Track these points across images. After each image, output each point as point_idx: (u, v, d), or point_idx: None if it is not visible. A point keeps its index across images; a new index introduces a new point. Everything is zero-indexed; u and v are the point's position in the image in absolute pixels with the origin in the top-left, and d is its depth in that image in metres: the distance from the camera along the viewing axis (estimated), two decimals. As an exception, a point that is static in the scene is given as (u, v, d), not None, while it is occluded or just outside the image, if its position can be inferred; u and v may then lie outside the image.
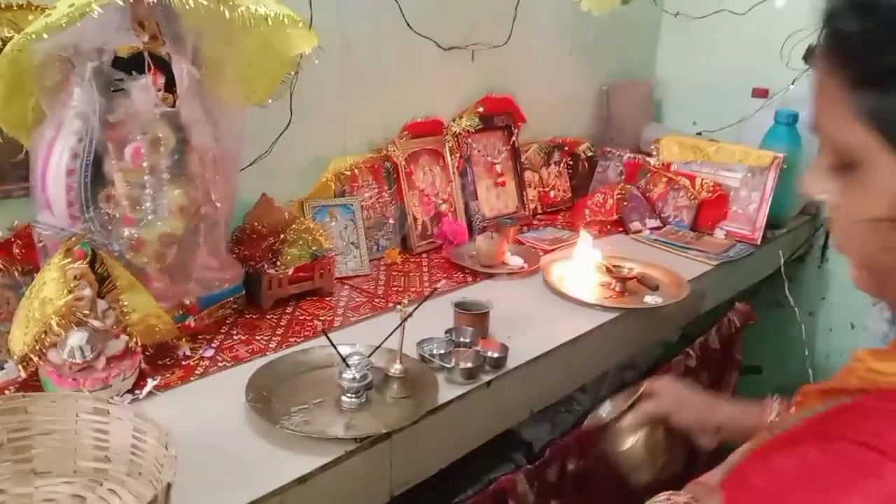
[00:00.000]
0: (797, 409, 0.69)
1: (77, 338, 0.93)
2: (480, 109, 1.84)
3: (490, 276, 1.54)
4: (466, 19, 1.79)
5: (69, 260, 0.94)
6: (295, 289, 1.33)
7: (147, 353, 1.04)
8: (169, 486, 0.69)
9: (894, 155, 0.52)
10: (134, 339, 0.99)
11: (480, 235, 1.62)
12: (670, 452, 0.98)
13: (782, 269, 1.95)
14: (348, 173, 1.56)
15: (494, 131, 1.91)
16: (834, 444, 0.53)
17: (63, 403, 0.82)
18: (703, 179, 1.92)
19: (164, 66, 1.04)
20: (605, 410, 1.03)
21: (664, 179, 1.97)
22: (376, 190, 1.62)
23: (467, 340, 1.17)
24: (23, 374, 0.94)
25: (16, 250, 1.06)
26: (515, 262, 1.59)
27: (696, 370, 1.71)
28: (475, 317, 1.22)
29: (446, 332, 1.18)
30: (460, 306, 1.23)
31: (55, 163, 0.98)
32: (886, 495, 0.48)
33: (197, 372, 1.07)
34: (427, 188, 1.72)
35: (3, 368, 0.98)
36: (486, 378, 1.11)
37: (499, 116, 1.91)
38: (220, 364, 1.10)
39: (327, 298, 1.37)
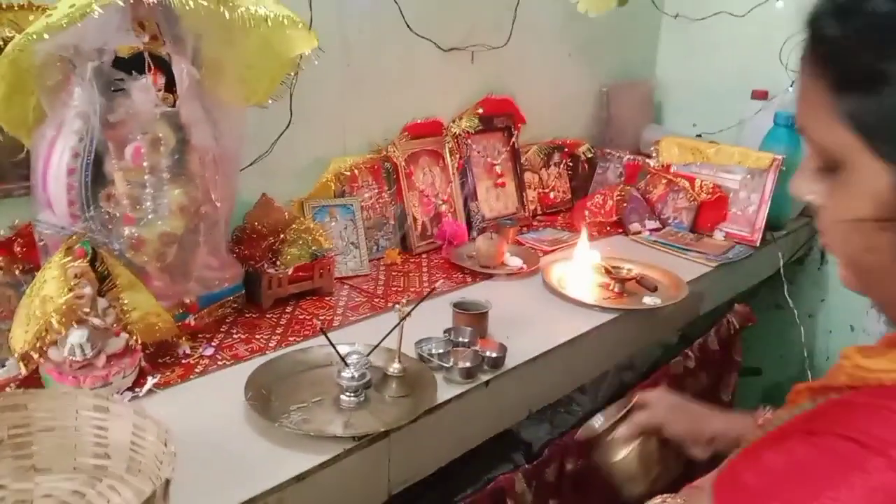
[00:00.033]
0: (788, 407, 0.69)
1: (77, 336, 0.94)
2: (480, 110, 1.85)
3: (489, 276, 1.54)
4: (466, 20, 1.80)
5: (70, 258, 0.95)
6: (295, 288, 1.33)
7: (147, 352, 1.05)
8: (167, 482, 0.69)
9: (875, 157, 0.53)
10: (134, 338, 1.00)
11: (480, 236, 1.63)
12: (664, 463, 0.98)
13: (782, 270, 1.95)
14: (348, 174, 1.57)
15: (494, 132, 1.91)
16: (821, 439, 0.54)
17: (63, 400, 0.83)
18: (702, 181, 1.92)
19: (164, 67, 1.04)
20: (598, 422, 1.03)
21: (664, 181, 1.98)
22: (376, 190, 1.63)
23: (466, 340, 1.18)
24: (24, 372, 0.95)
25: (17, 249, 1.06)
26: (515, 262, 1.60)
27: (695, 371, 1.71)
28: (474, 317, 1.22)
29: (445, 332, 1.19)
30: (459, 306, 1.24)
31: (56, 162, 0.99)
32: (871, 488, 0.49)
33: (196, 370, 1.08)
34: (427, 189, 1.73)
35: (4, 366, 0.99)
36: (484, 378, 1.12)
37: (498, 117, 1.91)
38: (219, 363, 1.11)
39: (327, 298, 1.37)
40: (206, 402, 1.01)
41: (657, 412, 0.96)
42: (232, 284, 1.24)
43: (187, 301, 1.14)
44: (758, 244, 1.83)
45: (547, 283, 1.49)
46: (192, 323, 1.15)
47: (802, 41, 0.56)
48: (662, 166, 2.00)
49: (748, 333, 1.91)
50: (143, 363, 1.03)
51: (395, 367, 1.05)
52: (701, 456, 0.95)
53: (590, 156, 2.17)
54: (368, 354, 1.05)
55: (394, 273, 1.55)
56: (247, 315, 1.27)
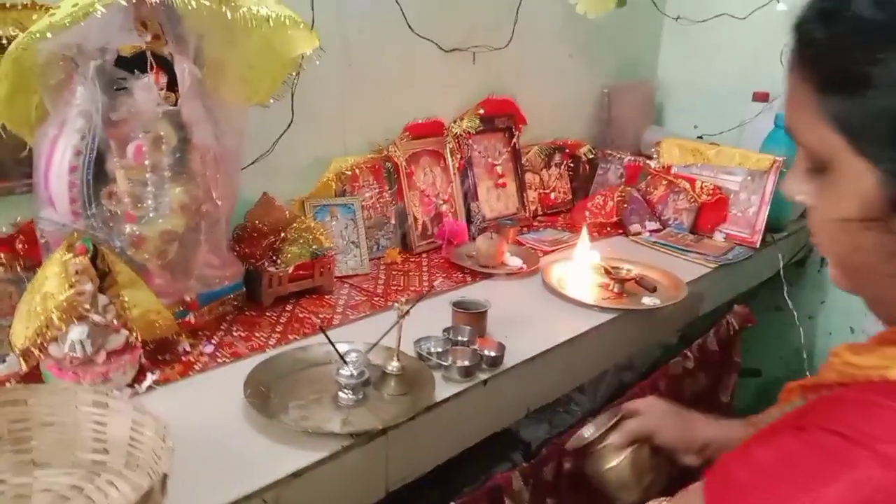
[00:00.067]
0: (780, 405, 0.70)
1: (78, 332, 0.94)
2: (481, 111, 1.86)
3: (489, 276, 1.55)
4: (467, 21, 1.81)
5: (71, 255, 0.96)
6: (295, 287, 1.34)
7: (147, 349, 1.06)
8: (165, 477, 0.70)
9: (860, 157, 0.54)
10: (134, 335, 1.01)
11: (480, 236, 1.63)
12: (656, 471, 0.97)
13: (781, 272, 1.95)
14: (349, 173, 1.58)
15: (495, 133, 1.92)
16: (808, 433, 0.54)
17: (63, 396, 0.83)
18: (702, 182, 1.93)
19: (166, 66, 1.05)
20: (588, 431, 1.03)
21: (664, 182, 1.98)
22: (377, 190, 1.64)
23: (465, 339, 1.18)
24: (24, 368, 0.96)
25: (19, 246, 1.07)
26: (515, 262, 1.60)
27: (694, 372, 1.72)
28: (473, 316, 1.23)
29: (444, 331, 1.19)
30: (458, 305, 1.24)
31: (58, 160, 1.00)
32: (857, 482, 0.49)
33: (196, 367, 1.08)
34: (428, 189, 1.73)
35: (4, 362, 1.00)
36: (482, 376, 1.12)
37: (499, 118, 1.92)
38: (219, 360, 1.11)
39: (327, 297, 1.38)
40: (206, 399, 1.01)
41: (648, 420, 0.96)
42: (232, 282, 1.25)
43: (188, 299, 1.15)
44: (758, 246, 1.83)
45: (546, 283, 1.49)
46: (193, 320, 1.15)
47: (790, 44, 0.58)
48: (663, 167, 2.01)
49: (748, 334, 1.91)
50: (143, 360, 1.03)
51: (393, 366, 1.06)
52: (693, 463, 0.95)
53: (591, 157, 2.18)
54: (367, 352, 1.06)
55: (394, 272, 1.55)
56: (247, 313, 1.28)
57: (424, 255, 1.67)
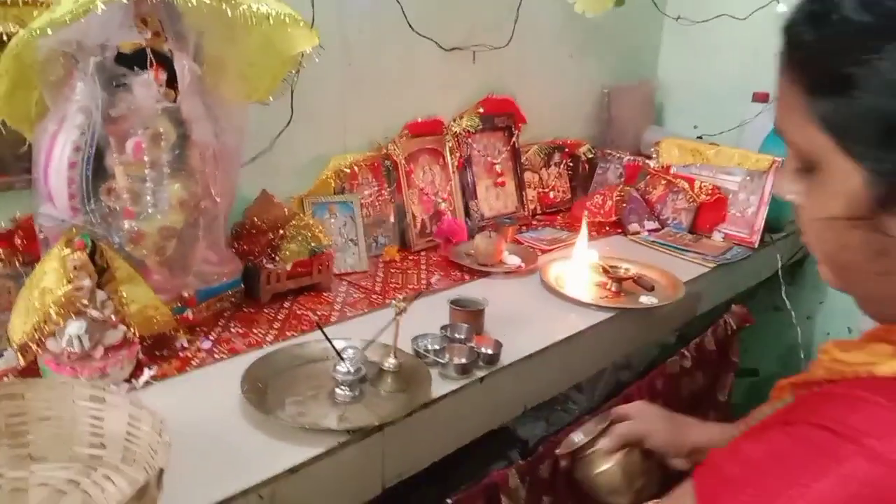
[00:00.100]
0: (771, 403, 0.70)
1: (75, 327, 0.95)
2: (481, 110, 1.86)
3: (487, 274, 1.55)
4: (467, 20, 1.81)
5: (69, 251, 0.96)
6: (293, 284, 1.35)
7: (145, 344, 1.06)
8: (161, 471, 0.70)
9: (847, 158, 0.55)
10: (132, 330, 1.01)
11: (479, 234, 1.64)
12: (647, 475, 0.97)
13: (780, 272, 1.96)
14: (348, 171, 1.58)
15: (495, 132, 1.92)
16: (796, 428, 0.55)
17: (60, 390, 0.84)
18: (701, 182, 1.93)
19: (166, 63, 1.05)
20: (578, 437, 1.02)
21: (663, 182, 1.99)
22: (376, 188, 1.64)
23: (462, 337, 1.18)
24: (22, 363, 0.96)
25: (18, 241, 1.07)
26: (513, 261, 1.60)
27: (691, 371, 1.72)
28: (470, 313, 1.23)
29: (441, 329, 1.20)
30: (456, 303, 1.25)
31: (57, 156, 1.00)
32: (844, 476, 0.50)
33: (194, 363, 1.09)
34: (427, 187, 1.74)
35: (2, 356, 1.00)
36: (479, 374, 1.12)
37: (499, 117, 1.92)
38: (216, 356, 1.12)
39: (325, 294, 1.38)
40: (203, 395, 1.01)
41: (638, 424, 0.97)
42: (230, 279, 1.25)
43: (186, 295, 1.15)
44: (756, 246, 1.84)
45: (544, 281, 1.50)
46: (190, 316, 1.16)
47: (780, 47, 0.58)
48: (662, 167, 2.01)
49: (746, 334, 1.92)
50: (141, 355, 1.04)
51: (390, 363, 1.06)
52: (682, 467, 0.95)
53: (590, 156, 2.18)
54: (364, 349, 1.06)
55: (392, 270, 1.56)
56: (245, 309, 1.28)
57: (423, 254, 1.67)
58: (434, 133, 1.77)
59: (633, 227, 1.91)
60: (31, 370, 0.98)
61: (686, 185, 1.94)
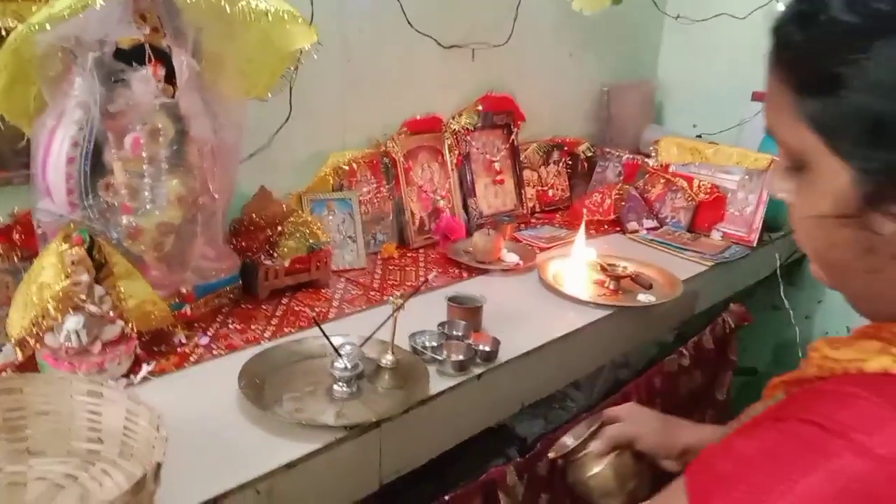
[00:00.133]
0: (764, 401, 0.71)
1: (73, 322, 0.95)
2: (480, 108, 1.86)
3: (485, 272, 1.55)
4: (467, 18, 1.81)
5: (67, 246, 0.96)
6: (291, 280, 1.35)
7: (143, 340, 1.06)
8: (159, 466, 0.71)
9: (835, 156, 0.55)
10: (130, 325, 1.01)
11: (477, 232, 1.64)
12: (639, 478, 0.97)
13: (778, 271, 1.96)
14: (347, 168, 1.58)
15: (494, 130, 1.92)
16: (786, 424, 0.55)
17: (58, 385, 0.84)
18: (700, 181, 1.93)
19: (164, 59, 1.06)
20: (570, 440, 1.02)
21: (662, 180, 1.99)
22: (374, 185, 1.64)
23: (459, 334, 1.18)
24: (20, 357, 0.96)
25: (16, 236, 1.08)
26: (511, 258, 1.61)
27: (689, 369, 1.72)
28: (468, 311, 1.23)
29: (439, 325, 1.20)
30: (453, 300, 1.25)
31: (56, 151, 1.00)
32: (833, 471, 0.50)
33: (191, 359, 1.09)
34: (425, 184, 1.74)
35: (0, 351, 1.00)
36: (477, 371, 1.12)
37: (498, 115, 1.92)
38: (214, 352, 1.12)
39: (323, 290, 1.39)
40: (201, 391, 1.02)
41: (628, 426, 0.96)
42: (229, 275, 1.25)
43: (184, 290, 1.15)
44: (755, 244, 1.84)
45: (542, 279, 1.50)
46: (189, 312, 1.16)
47: (769, 47, 0.59)
48: (661, 166, 2.01)
49: (745, 333, 1.92)
50: (139, 351, 1.04)
51: (388, 359, 1.06)
52: (673, 469, 0.95)
53: (589, 154, 2.18)
54: (361, 345, 1.07)
55: (391, 267, 1.56)
56: (243, 306, 1.28)
57: (421, 251, 1.67)
58: (433, 130, 1.77)
59: (632, 225, 1.92)
60: (29, 365, 0.98)
61: (685, 184, 1.94)
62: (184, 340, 1.12)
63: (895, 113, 0.52)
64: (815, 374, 0.62)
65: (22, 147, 1.06)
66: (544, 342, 1.25)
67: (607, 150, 2.18)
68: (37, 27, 0.91)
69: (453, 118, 1.83)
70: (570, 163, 2.15)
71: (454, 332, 1.19)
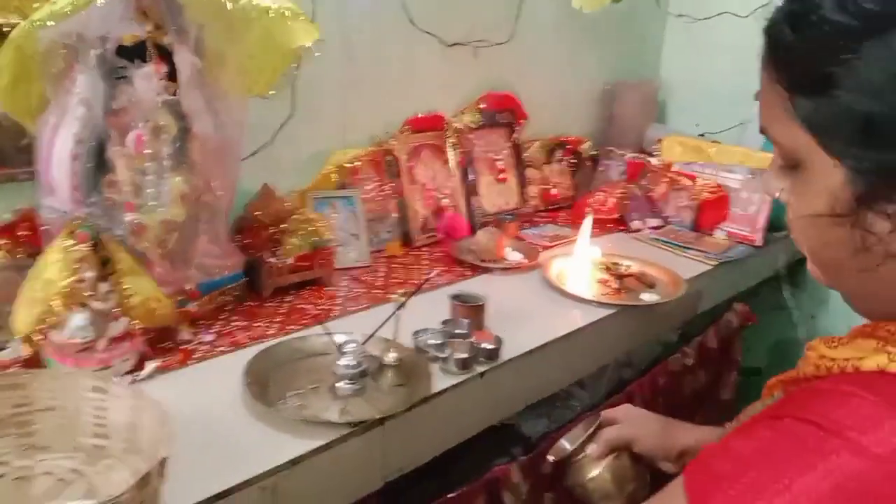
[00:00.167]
0: (762, 400, 0.71)
1: (79, 319, 0.95)
2: (482, 106, 1.86)
3: (489, 270, 1.55)
4: (469, 16, 1.81)
5: (72, 243, 0.96)
6: (295, 278, 1.35)
7: (148, 337, 1.06)
8: (164, 461, 0.71)
9: (828, 155, 0.56)
10: (135, 322, 1.01)
11: (480, 230, 1.64)
12: (638, 480, 0.97)
13: (783, 271, 1.95)
14: (350, 166, 1.58)
15: (496, 128, 1.92)
16: (782, 423, 0.55)
17: (64, 381, 0.84)
18: (704, 180, 1.93)
19: (166, 56, 1.06)
20: (567, 443, 1.02)
21: (666, 179, 1.98)
22: (377, 183, 1.64)
23: (463, 332, 1.18)
24: (26, 353, 0.96)
25: (20, 233, 1.08)
26: (514, 257, 1.61)
27: (693, 369, 1.72)
28: (471, 309, 1.23)
29: (442, 323, 1.20)
30: (457, 298, 1.25)
31: (59, 148, 1.00)
32: (829, 470, 0.50)
33: (196, 356, 1.09)
34: (428, 183, 1.74)
35: (7, 348, 1.00)
36: (479, 369, 1.12)
37: (501, 113, 1.92)
38: (219, 349, 1.12)
39: (327, 288, 1.39)
40: (205, 387, 1.02)
41: (625, 428, 0.96)
42: (232, 272, 1.25)
43: (188, 288, 1.15)
44: (759, 244, 1.83)
45: (546, 278, 1.50)
46: (193, 309, 1.16)
47: (763, 47, 0.60)
48: (664, 165, 2.01)
49: (749, 333, 1.91)
50: (144, 347, 1.04)
51: (391, 357, 1.06)
52: (671, 471, 0.94)
53: (592, 153, 2.18)
54: (364, 343, 1.07)
55: (394, 265, 1.56)
56: (247, 303, 1.28)
57: (425, 249, 1.67)
58: (435, 129, 1.77)
59: (636, 224, 1.91)
60: (35, 361, 0.98)
61: (688, 183, 1.94)
62: (188, 337, 1.12)
63: (886, 112, 0.52)
64: (812, 374, 0.62)
65: (26, 144, 1.06)
66: (547, 341, 1.24)
67: (610, 148, 2.17)
68: (39, 24, 0.91)
69: (455, 116, 1.83)
70: (573, 161, 2.15)
71: (457, 331, 1.19)
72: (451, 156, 1.79)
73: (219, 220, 1.19)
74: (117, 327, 1.00)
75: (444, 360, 1.11)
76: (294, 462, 0.88)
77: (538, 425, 1.61)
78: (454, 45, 1.78)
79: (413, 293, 1.08)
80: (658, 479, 0.97)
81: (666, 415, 1.02)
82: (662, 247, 1.80)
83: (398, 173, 1.67)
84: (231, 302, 1.26)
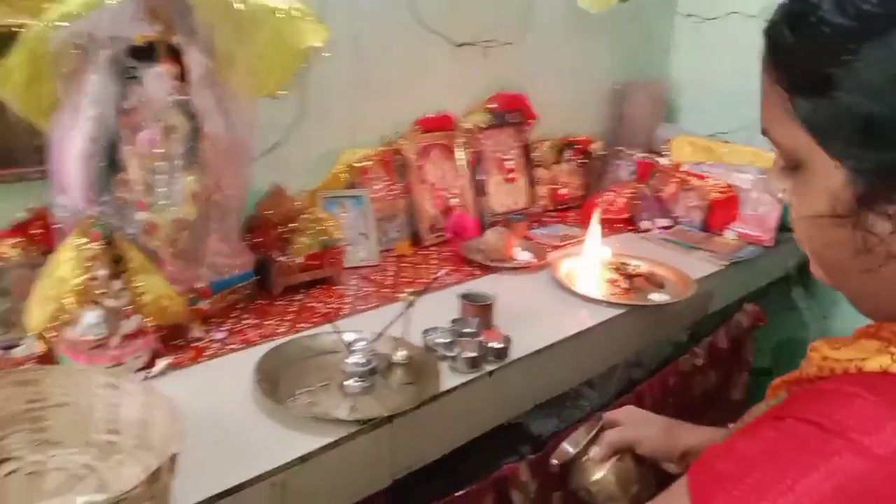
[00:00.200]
0: (767, 401, 0.71)
1: (91, 316, 0.96)
2: (492, 106, 1.86)
3: (498, 270, 1.55)
4: (478, 16, 1.81)
5: (84, 241, 0.97)
6: (305, 276, 1.36)
7: (160, 334, 1.07)
8: (174, 456, 0.71)
9: (829, 156, 0.56)
10: (147, 320, 1.02)
11: (489, 230, 1.64)
12: (642, 481, 0.96)
13: (794, 271, 1.94)
14: (359, 166, 1.59)
15: (506, 128, 1.92)
16: (785, 423, 0.55)
17: (77, 377, 0.85)
18: (714, 180, 1.92)
19: (176, 56, 1.07)
20: (570, 446, 1.02)
21: (675, 179, 1.98)
22: (387, 183, 1.64)
23: (471, 331, 1.19)
24: (40, 350, 0.97)
25: (34, 231, 1.09)
26: (523, 257, 1.61)
27: (703, 369, 1.71)
28: (480, 308, 1.24)
29: (451, 322, 1.20)
30: (466, 297, 1.25)
31: (72, 147, 1.02)
32: (831, 471, 0.50)
33: (207, 353, 1.10)
34: (437, 182, 1.74)
35: (21, 345, 1.01)
36: (488, 368, 1.13)
37: (510, 113, 1.92)
38: (230, 346, 1.13)
39: (336, 287, 1.39)
40: (216, 384, 1.03)
41: (628, 430, 0.95)
42: (243, 271, 1.26)
43: (199, 286, 1.16)
44: (770, 244, 1.82)
45: (555, 277, 1.50)
46: (204, 307, 1.17)
47: (762, 48, 0.60)
48: (674, 165, 2.00)
49: (760, 333, 1.90)
50: (156, 345, 1.05)
51: (400, 355, 1.07)
52: (675, 472, 0.94)
53: (602, 153, 2.17)
54: (373, 341, 1.07)
55: (403, 264, 1.56)
56: (258, 301, 1.30)
57: (434, 248, 1.68)
58: (445, 129, 1.78)
59: (645, 224, 1.91)
60: (48, 358, 0.99)
61: (698, 183, 1.93)
62: (200, 335, 1.14)
63: (886, 113, 0.52)
64: (815, 374, 0.62)
65: (38, 144, 1.07)
66: (556, 340, 1.24)
67: (620, 148, 2.17)
68: (51, 24, 0.92)
69: (465, 116, 1.83)
70: (582, 161, 2.15)
71: (466, 330, 1.19)
72: (461, 155, 1.79)
73: (229, 218, 1.20)
74: (129, 325, 1.01)
75: (453, 358, 1.11)
76: (303, 459, 0.88)
77: (547, 424, 1.61)
78: (463, 45, 1.79)
79: (422, 292, 1.09)
80: (663, 480, 0.97)
81: (676, 415, 1.02)
82: (672, 247, 1.79)
83: (407, 173, 1.68)
84: (242, 300, 1.27)
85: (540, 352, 1.21)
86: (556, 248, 1.72)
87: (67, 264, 0.97)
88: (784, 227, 1.87)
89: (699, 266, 1.67)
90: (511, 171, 1.91)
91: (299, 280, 1.35)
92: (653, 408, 1.49)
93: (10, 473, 0.80)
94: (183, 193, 1.10)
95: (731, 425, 0.89)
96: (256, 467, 0.85)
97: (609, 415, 0.98)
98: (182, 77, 1.08)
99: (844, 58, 0.53)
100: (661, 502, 0.63)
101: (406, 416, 0.99)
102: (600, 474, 0.95)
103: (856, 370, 0.57)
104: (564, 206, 2.07)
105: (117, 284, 1.00)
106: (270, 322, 1.22)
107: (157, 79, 1.03)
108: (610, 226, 1.90)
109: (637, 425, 0.96)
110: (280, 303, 1.30)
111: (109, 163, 1.04)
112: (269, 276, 1.31)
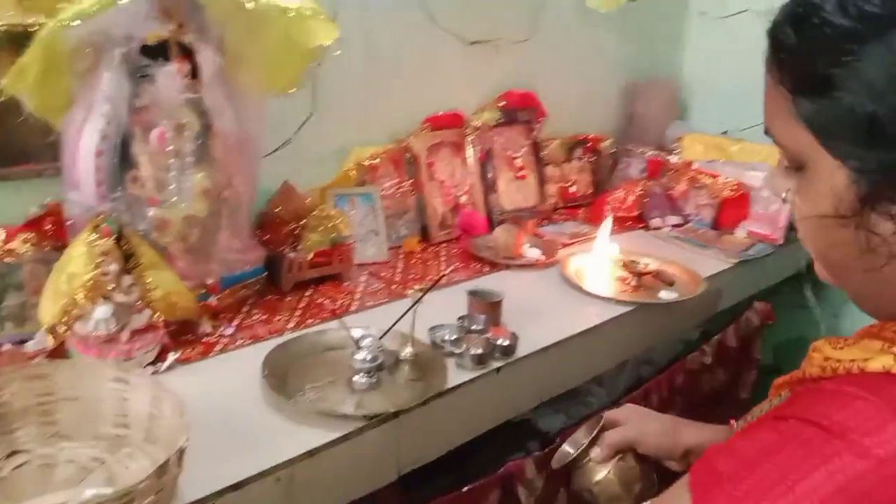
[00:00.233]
0: (769, 400, 0.71)
1: (102, 311, 0.98)
2: (502, 104, 1.86)
3: (507, 267, 1.55)
4: (490, 14, 1.81)
5: (96, 237, 0.98)
6: (314, 273, 1.36)
7: (169, 329, 1.08)
8: (182, 450, 0.72)
9: (832, 156, 0.56)
10: (157, 315, 1.04)
11: (498, 227, 1.64)
12: (645, 479, 0.96)
13: (805, 270, 1.93)
14: (369, 163, 1.59)
15: (516, 125, 1.92)
16: (786, 423, 0.56)
17: (87, 372, 0.86)
18: (725, 178, 1.91)
19: (189, 55, 1.08)
20: (571, 448, 1.02)
21: (686, 177, 1.97)
22: (397, 180, 1.65)
23: (479, 328, 1.19)
24: (51, 344, 0.99)
25: (47, 227, 1.11)
26: (533, 254, 1.61)
27: (712, 367, 1.71)
28: (488, 305, 1.24)
29: (459, 319, 1.21)
30: (474, 294, 1.26)
31: (85, 144, 1.03)
32: (833, 471, 0.50)
33: (217, 348, 1.11)
34: (447, 180, 1.75)
35: (32, 339, 1.03)
36: (495, 365, 1.13)
37: (521, 111, 1.92)
38: (239, 342, 1.14)
39: (346, 283, 1.40)
40: (225, 379, 1.04)
41: (629, 430, 0.95)
42: (253, 267, 1.27)
43: (209, 282, 1.18)
44: (780, 243, 1.81)
45: (564, 275, 1.50)
46: (214, 303, 1.18)
47: (766, 49, 0.60)
48: (685, 163, 2.00)
49: (771, 332, 1.90)
50: (166, 340, 1.06)
51: (407, 352, 1.08)
52: (677, 470, 0.94)
53: (613, 151, 2.17)
54: (381, 337, 1.08)
55: (412, 261, 1.57)
56: (267, 297, 1.31)
57: (443, 245, 1.68)
58: (455, 126, 1.78)
59: (655, 221, 1.91)
60: (59, 352, 1.00)
61: (709, 181, 1.92)
62: (209, 330, 1.15)
63: (888, 114, 0.52)
64: (817, 374, 0.62)
65: (52, 140, 1.08)
66: (564, 337, 1.25)
67: (630, 146, 2.16)
68: (66, 23, 0.93)
69: (475, 114, 1.83)
70: (593, 159, 2.14)
71: (473, 326, 1.19)
72: (471, 153, 1.79)
73: (240, 215, 1.21)
74: (140, 320, 1.02)
75: (460, 355, 1.11)
76: (310, 453, 0.89)
77: (555, 421, 1.61)
78: (474, 42, 1.79)
79: (430, 289, 1.09)
80: (665, 477, 0.97)
81: (683, 413, 1.02)
82: (682, 245, 1.79)
83: (417, 170, 1.68)
84: (251, 296, 1.28)
85: (547, 349, 1.21)
86: (565, 245, 1.72)
87: (79, 259, 0.98)
88: (794, 226, 1.85)
89: (709, 264, 1.66)
90: (521, 168, 1.91)
91: (308, 276, 1.36)
92: (660, 406, 1.49)
93: (20, 466, 0.81)
94: (194, 190, 1.11)
95: (733, 421, 0.89)
96: (263, 462, 0.86)
97: (609, 414, 0.98)
98: (194, 75, 1.09)
99: (846, 58, 0.53)
100: (663, 502, 0.63)
101: (412, 412, 1.00)
102: (602, 475, 0.95)
103: (858, 370, 0.57)
104: (574, 204, 2.07)
105: (128, 280, 1.01)
106: (279, 318, 1.23)
107: (169, 77, 1.04)
108: (620, 223, 1.89)
109: (638, 424, 0.96)
110: (289, 299, 1.31)
111: (121, 160, 1.05)
112: (278, 272, 1.32)
